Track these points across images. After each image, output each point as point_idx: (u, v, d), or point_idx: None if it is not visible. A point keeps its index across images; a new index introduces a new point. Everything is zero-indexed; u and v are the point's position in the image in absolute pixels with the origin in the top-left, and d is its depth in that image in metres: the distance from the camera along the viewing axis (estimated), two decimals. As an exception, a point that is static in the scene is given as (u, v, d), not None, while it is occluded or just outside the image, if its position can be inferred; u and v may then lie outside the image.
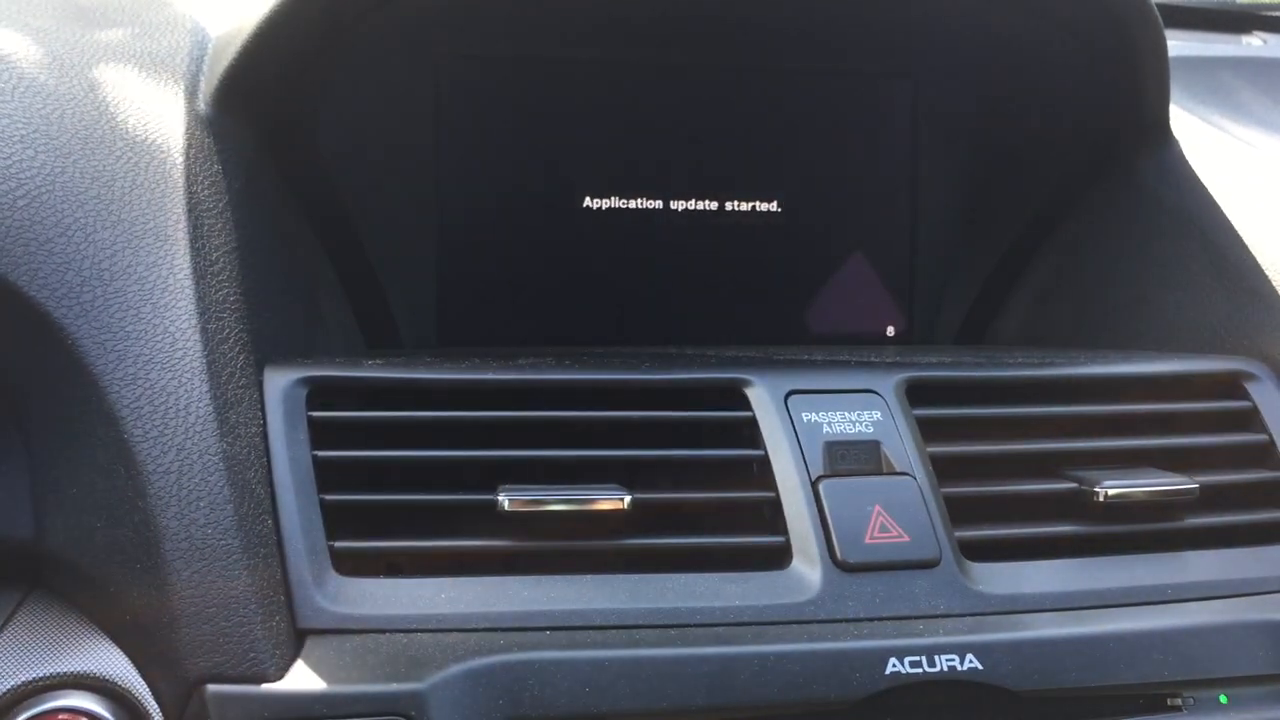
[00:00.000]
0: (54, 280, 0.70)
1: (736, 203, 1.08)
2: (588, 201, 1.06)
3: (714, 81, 1.07)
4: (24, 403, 0.70)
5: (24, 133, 0.74)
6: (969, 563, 0.76)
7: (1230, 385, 0.88)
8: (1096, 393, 0.86)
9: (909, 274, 1.12)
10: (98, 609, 0.68)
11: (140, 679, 0.66)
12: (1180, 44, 1.45)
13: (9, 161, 0.72)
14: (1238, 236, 0.95)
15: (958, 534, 0.76)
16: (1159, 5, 0.95)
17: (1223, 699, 0.73)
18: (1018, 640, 0.71)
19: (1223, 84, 1.37)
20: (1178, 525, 0.81)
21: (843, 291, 1.11)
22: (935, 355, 0.92)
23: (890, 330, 1.13)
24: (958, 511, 0.77)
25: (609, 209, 1.06)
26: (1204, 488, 0.81)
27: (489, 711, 0.64)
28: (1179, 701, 0.73)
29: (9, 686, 0.67)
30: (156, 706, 0.66)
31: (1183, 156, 1.02)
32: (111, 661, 0.67)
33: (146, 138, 0.79)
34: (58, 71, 0.80)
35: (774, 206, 1.09)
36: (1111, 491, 0.79)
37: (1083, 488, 0.80)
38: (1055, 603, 0.75)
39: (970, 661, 0.69)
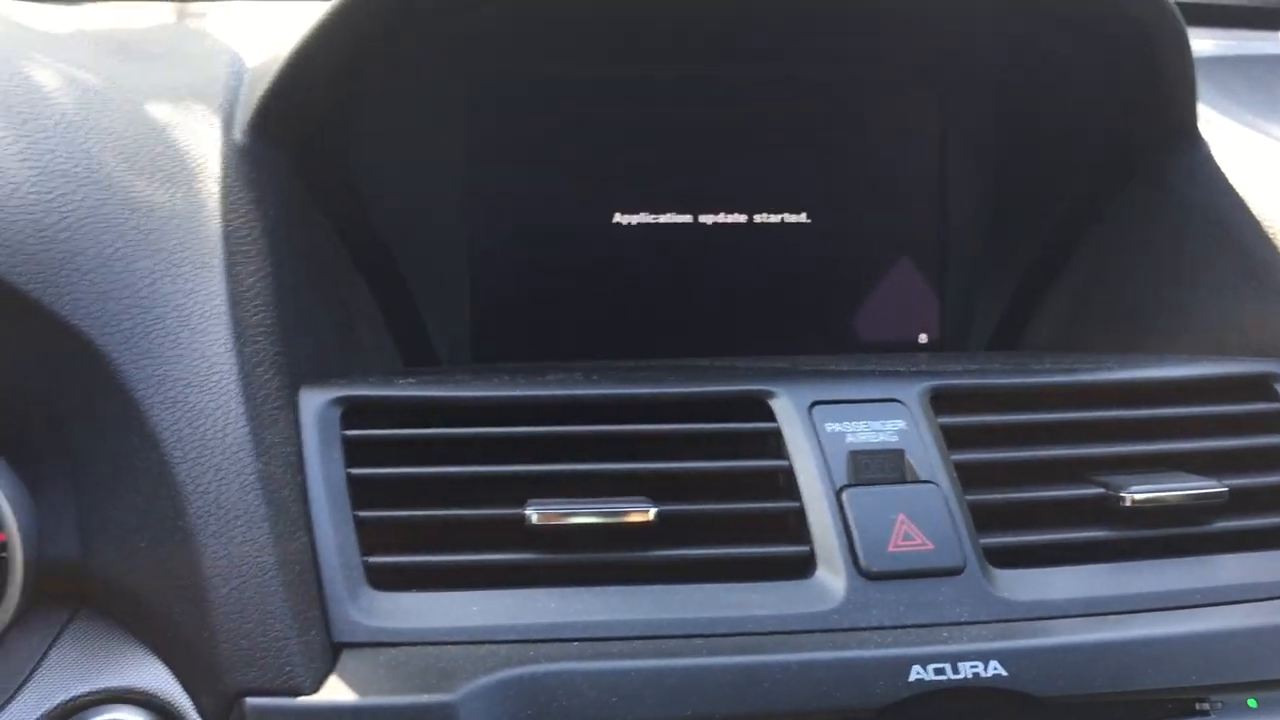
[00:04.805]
0: (96, 309, 0.72)
1: (765, 215, 1.09)
2: (618, 217, 1.07)
3: (741, 95, 1.09)
4: (69, 428, 0.73)
5: (66, 167, 0.77)
6: (994, 569, 0.76)
7: (1260, 387, 0.88)
8: (1123, 397, 0.86)
9: (939, 281, 1.13)
10: (142, 626, 0.70)
11: (183, 693, 0.69)
12: (1215, 43, 1.44)
13: (52, 195, 0.75)
14: (1267, 238, 0.95)
15: (982, 541, 0.77)
16: (1194, 4, 0.94)
17: (1252, 703, 0.73)
18: (1043, 646, 0.71)
19: (1258, 82, 1.36)
20: (1206, 529, 0.81)
21: (873, 300, 1.12)
22: (962, 363, 0.92)
23: (922, 337, 1.13)
24: (982, 518, 0.78)
25: (639, 224, 1.08)
26: (1233, 491, 0.80)
27: (519, 721, 0.66)
28: (1207, 706, 0.73)
29: (59, 701, 0.69)
30: (199, 719, 0.68)
31: (1211, 158, 1.01)
32: (155, 676, 0.69)
33: (184, 167, 0.82)
34: (98, 105, 0.83)
35: (803, 218, 1.10)
36: (1139, 496, 0.79)
37: (1109, 492, 0.80)
38: (1081, 608, 0.75)
39: (995, 668, 0.70)
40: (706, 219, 1.09)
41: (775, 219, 1.10)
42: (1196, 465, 0.83)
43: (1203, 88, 1.01)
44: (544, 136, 1.06)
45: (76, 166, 0.77)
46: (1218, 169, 1.00)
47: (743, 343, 1.10)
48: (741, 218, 1.09)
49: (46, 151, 0.77)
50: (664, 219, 1.08)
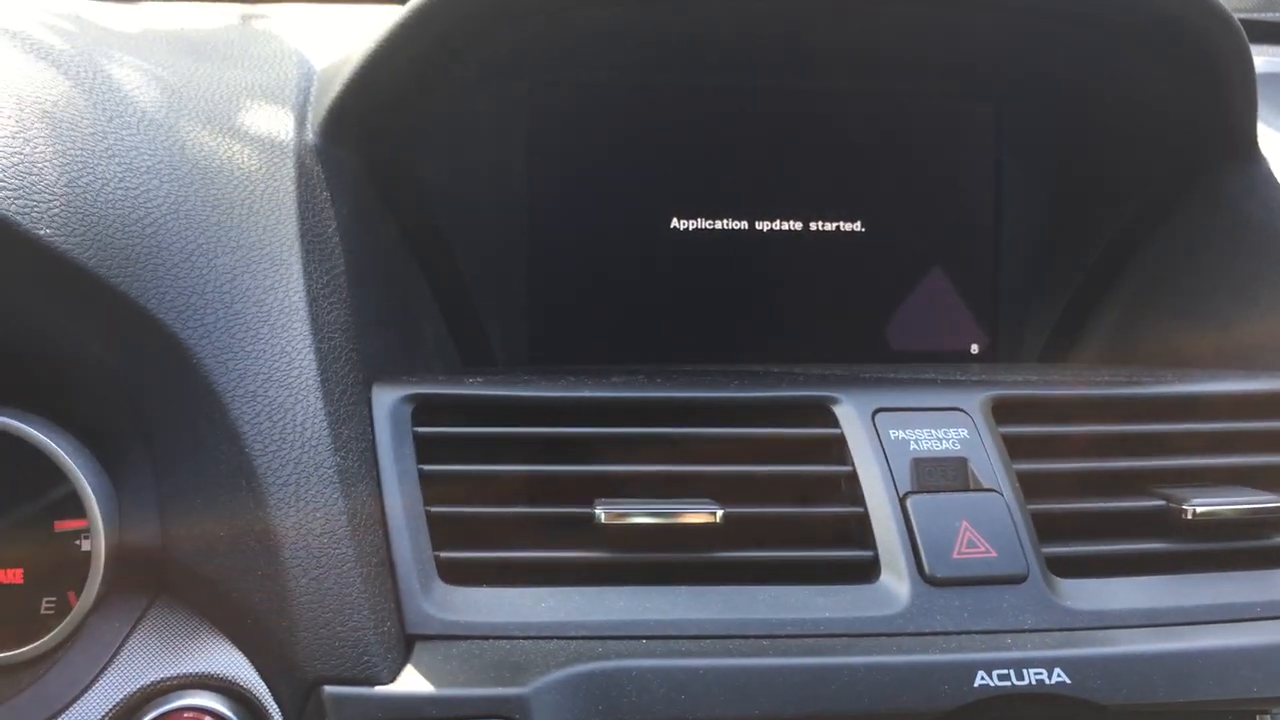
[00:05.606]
0: (180, 303, 0.74)
1: (821, 223, 1.10)
2: (675, 222, 1.08)
3: (798, 104, 1.10)
4: (152, 418, 0.74)
5: (149, 164, 0.78)
6: (1056, 578, 0.77)
7: (1319, 403, 0.88)
8: (1183, 411, 0.87)
9: (993, 292, 1.13)
10: (220, 614, 0.72)
11: (260, 680, 0.70)
12: (1265, 59, 1.44)
13: (138, 191, 0.76)
14: (1327, 255, 0.95)
15: (1045, 550, 0.77)
16: (1253, 21, 0.94)
17: (1313, 716, 0.74)
18: (1105, 655, 0.72)
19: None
20: (1266, 543, 0.81)
21: (927, 309, 1.12)
22: (1020, 373, 0.93)
23: (974, 348, 1.14)
24: (1045, 528, 0.78)
25: (696, 230, 1.09)
26: None
27: (588, 716, 0.67)
28: (1267, 718, 0.73)
29: (138, 686, 0.71)
30: (276, 706, 0.70)
31: (1270, 174, 1.01)
32: (233, 663, 0.71)
33: (260, 167, 0.84)
34: (176, 105, 0.85)
35: (858, 226, 1.11)
36: (1200, 509, 0.79)
37: (1171, 505, 0.80)
38: (1143, 619, 0.75)
39: (1058, 675, 0.70)
40: (763, 226, 1.10)
41: (830, 227, 1.10)
42: (1257, 480, 0.83)
43: (1263, 105, 1.01)
44: (605, 141, 1.07)
45: (159, 163, 0.79)
46: (1276, 185, 1.01)
47: (794, 349, 1.11)
48: (797, 225, 1.10)
49: (131, 148, 0.78)
50: (720, 225, 1.09)
